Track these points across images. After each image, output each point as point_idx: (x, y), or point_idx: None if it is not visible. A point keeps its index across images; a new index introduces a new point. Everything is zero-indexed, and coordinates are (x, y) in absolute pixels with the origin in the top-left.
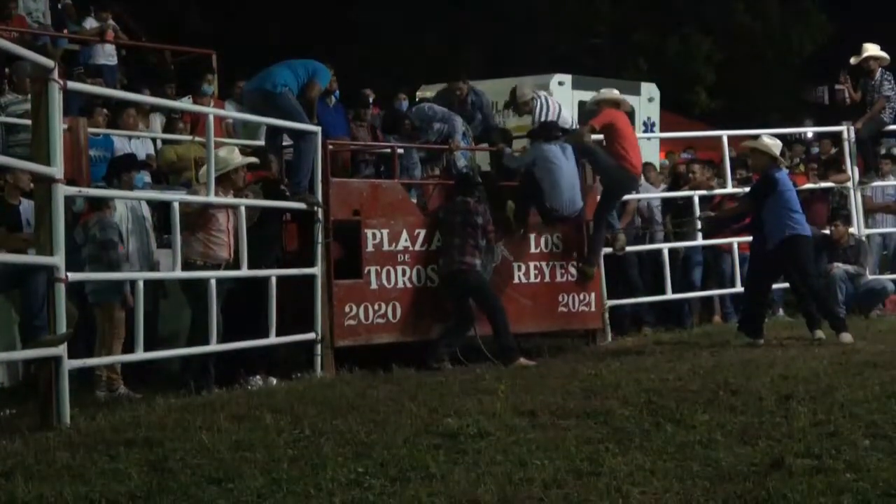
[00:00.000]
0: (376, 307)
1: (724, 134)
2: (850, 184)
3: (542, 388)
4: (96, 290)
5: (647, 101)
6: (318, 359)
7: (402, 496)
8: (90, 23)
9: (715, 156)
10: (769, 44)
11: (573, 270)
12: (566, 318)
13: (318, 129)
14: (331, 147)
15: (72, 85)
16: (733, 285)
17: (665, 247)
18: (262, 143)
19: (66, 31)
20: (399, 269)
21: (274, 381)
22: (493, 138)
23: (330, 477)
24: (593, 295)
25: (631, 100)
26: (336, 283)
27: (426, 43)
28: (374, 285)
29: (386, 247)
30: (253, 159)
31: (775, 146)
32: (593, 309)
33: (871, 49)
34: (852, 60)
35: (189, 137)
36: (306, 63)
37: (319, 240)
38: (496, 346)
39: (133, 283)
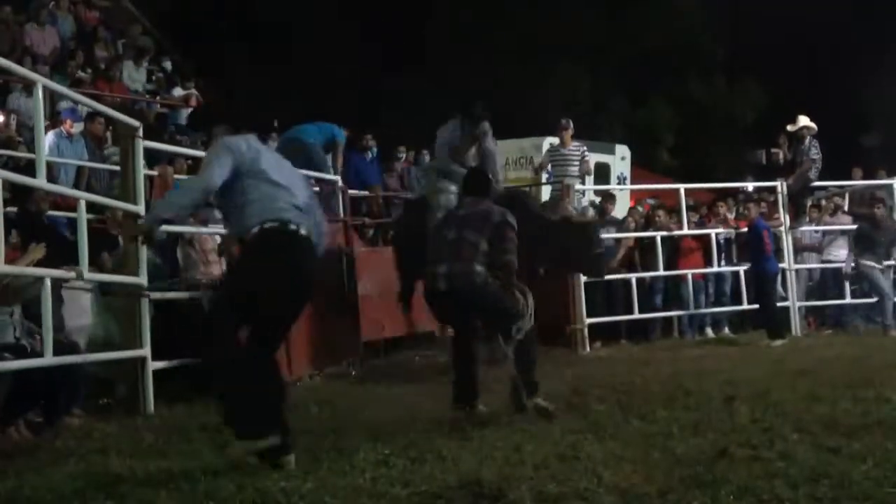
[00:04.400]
0: None
1: (682, 186)
2: (782, 228)
3: None
4: None
5: (620, 159)
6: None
7: (420, 474)
8: (177, 91)
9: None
10: (717, 113)
11: None
12: None
13: (337, 178)
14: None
15: (148, 144)
16: (689, 308)
17: (633, 276)
18: None
19: (157, 97)
20: None
21: (318, 377)
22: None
23: (361, 458)
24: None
25: (607, 158)
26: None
27: (438, 103)
28: None
29: None
30: None
31: None
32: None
33: (804, 120)
34: (789, 128)
35: None
36: (330, 125)
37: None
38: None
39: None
